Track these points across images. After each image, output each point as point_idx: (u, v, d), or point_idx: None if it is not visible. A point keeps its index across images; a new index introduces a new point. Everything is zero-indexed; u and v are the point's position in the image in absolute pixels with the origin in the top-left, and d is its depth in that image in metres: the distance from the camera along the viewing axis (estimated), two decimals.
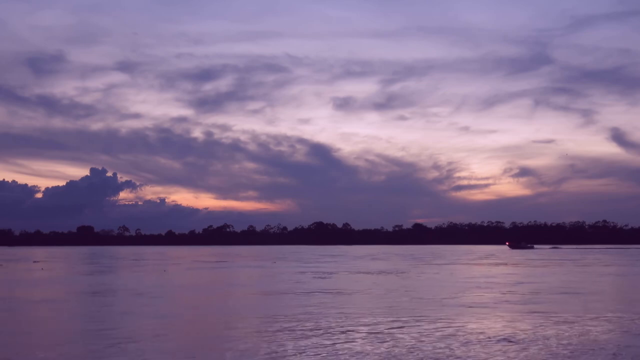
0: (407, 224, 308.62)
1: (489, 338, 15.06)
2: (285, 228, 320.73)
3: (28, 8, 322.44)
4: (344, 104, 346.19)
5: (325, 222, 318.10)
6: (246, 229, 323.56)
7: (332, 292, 28.05)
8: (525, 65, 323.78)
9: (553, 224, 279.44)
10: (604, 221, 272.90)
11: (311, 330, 16.15)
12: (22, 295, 27.91)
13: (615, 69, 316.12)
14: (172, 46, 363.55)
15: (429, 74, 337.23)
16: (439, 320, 18.20)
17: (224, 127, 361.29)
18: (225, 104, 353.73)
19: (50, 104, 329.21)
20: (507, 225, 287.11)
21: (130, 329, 16.52)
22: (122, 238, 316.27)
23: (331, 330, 16.22)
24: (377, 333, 15.76)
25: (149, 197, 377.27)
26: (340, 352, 13.18)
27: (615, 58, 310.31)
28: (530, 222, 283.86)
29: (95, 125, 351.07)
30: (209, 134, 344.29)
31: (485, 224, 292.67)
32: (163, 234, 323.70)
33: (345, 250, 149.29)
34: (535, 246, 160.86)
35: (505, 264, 60.00)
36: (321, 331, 15.97)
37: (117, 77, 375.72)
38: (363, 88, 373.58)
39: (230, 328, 16.54)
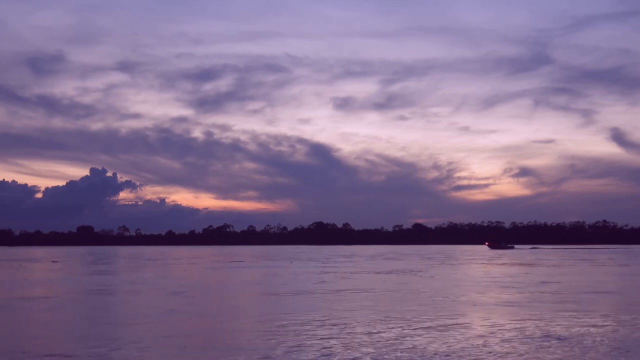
0: (407, 224, 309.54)
1: (536, 336, 15.42)
2: (285, 228, 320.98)
3: (28, 8, 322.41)
4: (344, 104, 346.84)
5: (325, 222, 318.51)
6: (246, 229, 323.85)
7: (363, 292, 28.41)
8: (525, 65, 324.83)
9: (553, 224, 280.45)
10: (604, 221, 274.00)
11: (364, 325, 16.50)
12: (66, 293, 28.11)
13: (615, 69, 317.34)
14: (172, 46, 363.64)
15: (429, 74, 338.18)
16: (483, 319, 18.55)
17: (224, 127, 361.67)
18: (225, 104, 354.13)
19: (50, 104, 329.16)
20: (507, 225, 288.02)
21: (190, 326, 16.87)
22: (122, 238, 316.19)
23: (379, 326, 16.56)
24: (430, 330, 16.11)
25: (149, 197, 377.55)
26: (401, 349, 13.52)
27: (615, 58, 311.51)
28: (530, 222, 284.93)
29: (95, 125, 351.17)
30: (209, 134, 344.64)
31: (485, 224, 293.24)
32: (163, 234, 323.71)
33: (350, 250, 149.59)
34: (515, 246, 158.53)
35: (521, 264, 60.36)
36: (371, 327, 16.31)
37: (117, 77, 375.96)
38: (363, 88, 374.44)
39: (283, 325, 16.87)
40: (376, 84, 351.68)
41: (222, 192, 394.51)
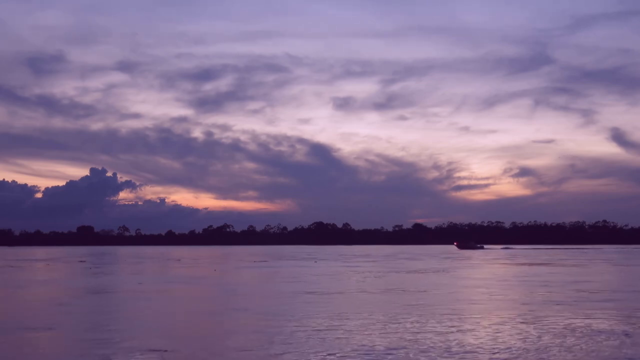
0: (407, 224, 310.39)
1: (604, 333, 15.83)
2: (285, 228, 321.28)
3: (28, 8, 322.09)
4: (344, 104, 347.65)
5: (325, 222, 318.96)
6: (246, 229, 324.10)
7: (407, 291, 28.79)
8: (525, 65, 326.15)
9: (553, 224, 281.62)
10: (604, 221, 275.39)
11: (431, 321, 16.93)
12: (124, 291, 28.40)
13: (615, 69, 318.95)
14: (172, 46, 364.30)
15: (429, 74, 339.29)
16: (543, 318, 18.89)
17: (224, 127, 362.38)
18: (225, 104, 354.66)
19: (50, 104, 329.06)
20: (507, 225, 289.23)
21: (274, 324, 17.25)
22: (122, 238, 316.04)
23: (452, 321, 16.97)
24: (499, 326, 16.53)
25: (149, 197, 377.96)
26: (487, 346, 13.93)
27: (615, 58, 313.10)
28: (530, 222, 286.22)
29: (95, 125, 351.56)
30: (209, 134, 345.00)
31: (485, 224, 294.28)
32: (163, 234, 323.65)
33: (354, 250, 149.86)
34: (485, 246, 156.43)
35: (545, 264, 60.82)
36: (436, 322, 16.73)
37: (117, 77, 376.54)
38: (363, 88, 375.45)
39: (369, 323, 17.27)
40: (376, 84, 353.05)
41: (222, 192, 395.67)
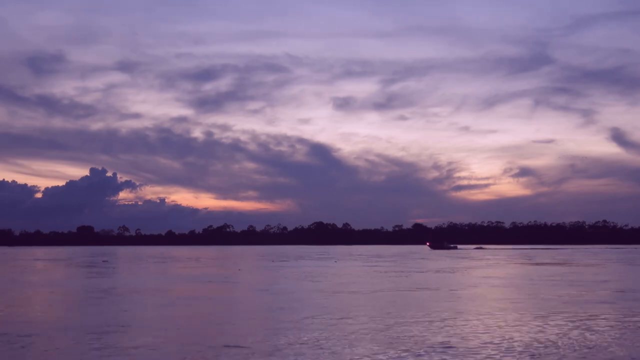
0: (407, 224, 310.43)
1: None
2: (285, 228, 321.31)
3: (28, 8, 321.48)
4: (344, 104, 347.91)
5: (325, 222, 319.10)
6: (246, 229, 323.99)
7: (448, 291, 29.08)
8: (525, 65, 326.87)
9: (553, 224, 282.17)
10: (604, 221, 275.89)
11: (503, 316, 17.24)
12: (175, 291, 28.54)
13: (615, 69, 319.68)
14: (172, 46, 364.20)
15: (429, 74, 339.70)
16: (599, 316, 19.19)
17: (224, 127, 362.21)
18: (225, 104, 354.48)
19: (50, 104, 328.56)
20: (507, 225, 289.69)
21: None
22: (122, 238, 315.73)
23: (510, 317, 17.27)
24: (565, 325, 16.83)
25: (149, 197, 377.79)
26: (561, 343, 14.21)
27: (615, 58, 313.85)
28: (530, 222, 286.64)
29: (95, 125, 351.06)
30: (209, 134, 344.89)
31: (485, 224, 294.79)
32: (163, 234, 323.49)
33: (364, 249, 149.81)
34: (458, 246, 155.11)
35: (563, 264, 61.20)
36: (499, 319, 17.04)
37: (117, 77, 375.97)
38: (363, 88, 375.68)
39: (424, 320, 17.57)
40: (376, 84, 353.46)
41: (222, 192, 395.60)
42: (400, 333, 15.64)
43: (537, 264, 61.36)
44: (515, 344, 14.13)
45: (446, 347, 13.69)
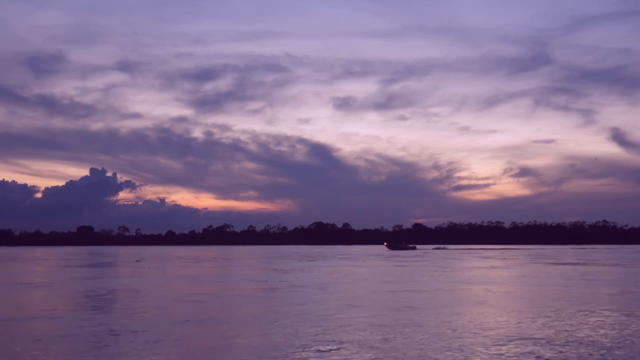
0: (407, 224, 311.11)
1: None
2: (285, 228, 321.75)
3: (28, 8, 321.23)
4: (344, 104, 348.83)
5: (325, 222, 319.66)
6: (246, 229, 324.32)
7: (507, 287, 29.84)
8: (525, 65, 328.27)
9: (553, 224, 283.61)
10: (604, 221, 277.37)
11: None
12: (226, 291, 29.12)
13: (615, 69, 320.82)
14: (172, 46, 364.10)
15: (429, 74, 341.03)
16: None
17: (224, 127, 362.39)
18: (225, 104, 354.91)
19: (50, 104, 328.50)
20: (507, 225, 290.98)
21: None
22: (122, 238, 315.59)
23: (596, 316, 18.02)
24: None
25: (149, 197, 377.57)
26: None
27: (615, 58, 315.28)
28: (530, 222, 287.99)
29: (95, 125, 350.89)
30: (209, 134, 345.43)
31: (485, 224, 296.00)
32: (163, 234, 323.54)
33: (370, 249, 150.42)
34: (417, 247, 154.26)
35: (585, 264, 62.03)
36: (586, 316, 17.80)
37: (117, 77, 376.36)
38: (363, 88, 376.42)
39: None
40: (376, 84, 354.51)
41: (222, 192, 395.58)
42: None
43: (558, 263, 62.18)
44: None
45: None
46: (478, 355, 12.83)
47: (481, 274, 43.87)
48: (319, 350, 13.29)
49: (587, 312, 19.94)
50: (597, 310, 20.59)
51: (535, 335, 15.31)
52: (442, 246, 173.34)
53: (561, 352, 13.23)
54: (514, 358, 12.59)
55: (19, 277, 42.35)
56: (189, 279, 39.24)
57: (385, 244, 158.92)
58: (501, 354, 12.95)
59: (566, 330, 16.13)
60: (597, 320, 18.02)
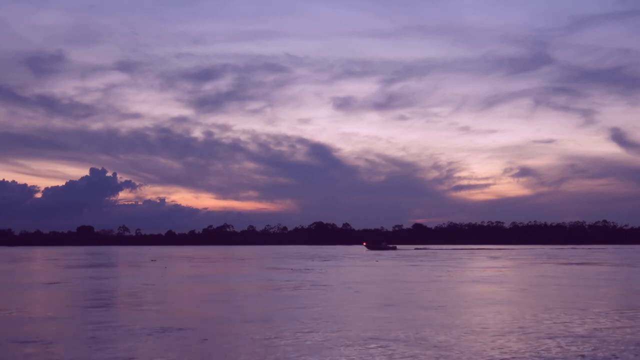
0: (407, 224, 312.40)
1: None
2: (285, 228, 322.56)
3: (28, 8, 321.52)
4: (344, 104, 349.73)
5: (325, 222, 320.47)
6: (246, 229, 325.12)
7: (535, 289, 30.28)
8: (525, 65, 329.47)
9: (553, 224, 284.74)
10: (604, 221, 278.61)
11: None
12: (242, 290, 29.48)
13: (616, 69, 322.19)
14: (172, 46, 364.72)
15: (429, 74, 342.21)
16: None
17: (224, 127, 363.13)
18: (225, 104, 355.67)
19: (50, 104, 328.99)
20: (507, 225, 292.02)
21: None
22: (122, 238, 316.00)
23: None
24: None
25: (149, 197, 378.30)
26: None
27: (615, 58, 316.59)
28: (530, 222, 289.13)
29: (95, 125, 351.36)
30: (209, 134, 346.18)
31: (485, 224, 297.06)
32: (163, 234, 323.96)
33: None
34: (397, 247, 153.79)
35: (597, 264, 62.51)
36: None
37: (117, 77, 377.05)
38: (363, 88, 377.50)
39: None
40: (376, 84, 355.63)
41: (222, 192, 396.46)
42: None
43: (569, 263, 62.66)
44: None
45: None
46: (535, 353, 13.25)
47: (496, 273, 44.32)
48: (380, 347, 13.70)
49: (622, 311, 20.38)
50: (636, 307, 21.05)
51: (598, 335, 15.73)
52: (422, 247, 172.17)
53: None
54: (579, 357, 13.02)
55: (46, 277, 42.71)
56: (212, 279, 39.55)
57: (364, 244, 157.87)
58: (579, 354, 13.37)
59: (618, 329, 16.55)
60: None
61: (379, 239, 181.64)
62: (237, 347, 13.70)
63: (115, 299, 25.98)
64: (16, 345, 14.08)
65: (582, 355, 12.85)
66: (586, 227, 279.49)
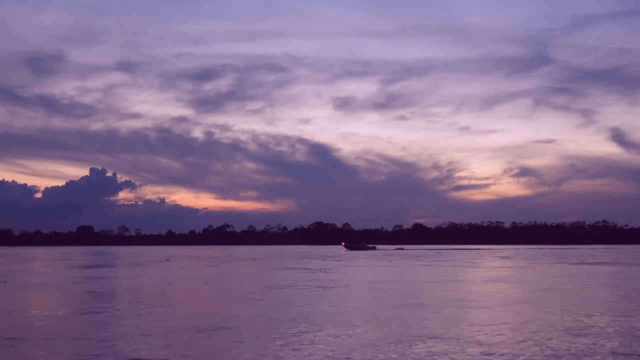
0: (407, 224, 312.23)
1: None
2: (285, 228, 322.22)
3: (28, 8, 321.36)
4: (344, 104, 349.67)
5: (325, 222, 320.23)
6: (246, 229, 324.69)
7: (556, 289, 30.56)
8: (525, 65, 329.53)
9: (553, 224, 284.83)
10: (604, 221, 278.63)
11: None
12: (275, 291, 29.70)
13: (616, 69, 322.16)
14: (172, 46, 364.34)
15: (429, 74, 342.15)
16: None
17: (224, 127, 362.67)
18: (225, 104, 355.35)
19: (50, 104, 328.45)
20: (507, 225, 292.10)
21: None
22: (122, 238, 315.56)
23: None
24: None
25: (149, 197, 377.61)
26: None
27: (615, 58, 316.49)
28: (530, 222, 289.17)
29: (95, 125, 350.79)
30: (209, 134, 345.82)
31: (485, 224, 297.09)
32: (163, 234, 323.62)
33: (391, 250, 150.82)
34: (377, 247, 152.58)
35: (611, 264, 62.80)
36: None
37: (117, 77, 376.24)
38: (363, 88, 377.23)
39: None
40: (376, 84, 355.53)
41: (222, 192, 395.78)
42: None
43: (582, 263, 62.94)
44: None
45: None
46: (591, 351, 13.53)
47: (513, 273, 44.59)
48: (424, 343, 13.98)
49: None
50: None
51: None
52: (401, 247, 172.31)
53: None
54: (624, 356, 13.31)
55: (67, 277, 42.88)
56: (235, 278, 39.66)
57: (342, 244, 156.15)
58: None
59: None
60: None
61: (358, 239, 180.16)
62: (307, 346, 13.94)
63: (149, 297, 26.15)
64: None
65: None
66: (586, 227, 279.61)
